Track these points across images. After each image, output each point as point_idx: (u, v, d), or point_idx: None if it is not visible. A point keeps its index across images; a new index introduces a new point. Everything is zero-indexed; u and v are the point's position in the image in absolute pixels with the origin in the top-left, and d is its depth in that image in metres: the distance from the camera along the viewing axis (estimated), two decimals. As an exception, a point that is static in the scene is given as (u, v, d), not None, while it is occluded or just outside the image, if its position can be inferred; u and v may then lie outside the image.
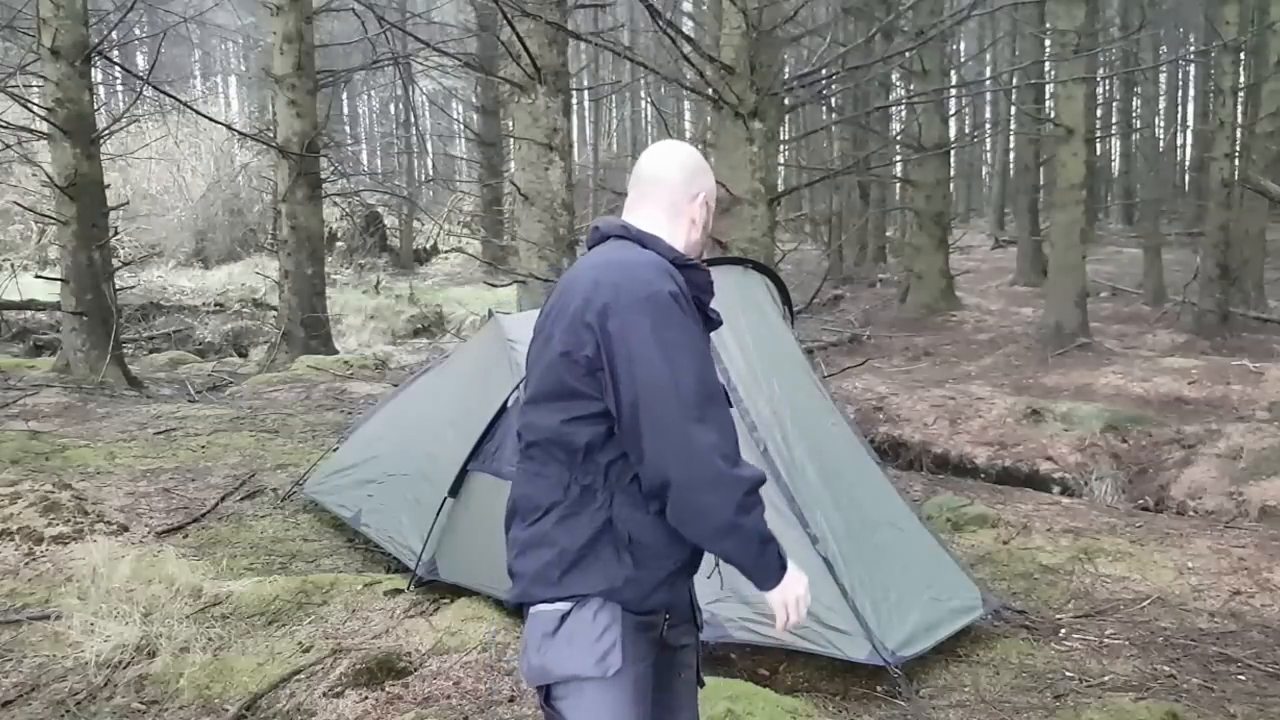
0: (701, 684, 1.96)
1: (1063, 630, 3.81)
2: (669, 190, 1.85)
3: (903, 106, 17.52)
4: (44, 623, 3.59)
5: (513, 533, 1.80)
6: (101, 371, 8.83)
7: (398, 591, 3.87)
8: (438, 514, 3.93)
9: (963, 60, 25.60)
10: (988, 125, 28.86)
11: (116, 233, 11.02)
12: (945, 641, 3.46)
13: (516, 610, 3.59)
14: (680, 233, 1.86)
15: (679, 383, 1.62)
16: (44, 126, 9.30)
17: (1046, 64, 14.49)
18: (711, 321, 1.83)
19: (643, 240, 1.79)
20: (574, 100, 14.16)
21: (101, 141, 9.31)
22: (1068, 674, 3.38)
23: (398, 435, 4.82)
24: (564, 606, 1.70)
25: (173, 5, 16.39)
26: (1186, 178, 29.76)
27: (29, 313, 12.98)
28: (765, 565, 1.72)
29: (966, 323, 14.12)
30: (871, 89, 16.15)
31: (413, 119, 21.35)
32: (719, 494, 1.62)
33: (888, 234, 23.30)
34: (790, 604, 1.75)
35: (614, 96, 31.12)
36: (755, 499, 1.66)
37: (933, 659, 3.41)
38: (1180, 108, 33.02)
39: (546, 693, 1.73)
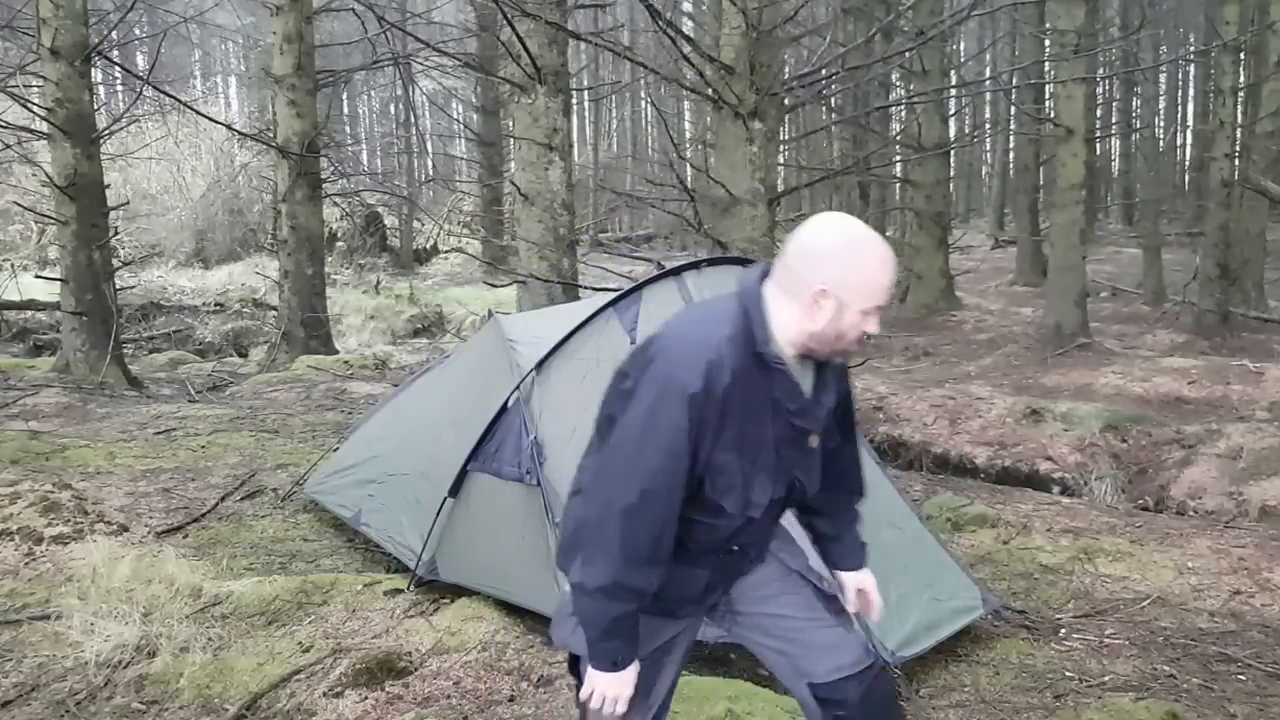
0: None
1: (1063, 630, 3.81)
2: (786, 270, 1.72)
3: (903, 106, 17.53)
4: (44, 623, 3.59)
5: None
6: (101, 371, 8.83)
7: (398, 591, 3.87)
8: (438, 514, 3.93)
9: (963, 60, 25.61)
10: (988, 125, 28.86)
11: (116, 233, 11.02)
12: (945, 641, 3.46)
13: (516, 610, 3.61)
14: (790, 320, 1.71)
15: (627, 466, 1.68)
16: (44, 126, 9.30)
17: (1046, 64, 14.49)
18: (794, 425, 1.77)
19: (747, 307, 1.72)
20: (574, 100, 14.15)
21: (101, 141, 9.31)
22: (1068, 674, 3.38)
23: (398, 435, 4.82)
24: None
25: (173, 5, 16.40)
26: (1186, 178, 29.76)
27: (29, 313, 12.98)
28: (593, 648, 1.78)
29: (966, 323, 14.12)
30: (871, 89, 16.13)
31: (413, 119, 21.35)
32: (573, 557, 1.75)
33: (888, 234, 23.26)
34: (595, 693, 1.80)
35: (614, 96, 31.14)
36: (593, 593, 1.72)
37: (933, 659, 3.42)
38: (1180, 108, 33.04)
39: (573, 662, 1.91)
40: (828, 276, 1.66)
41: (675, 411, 1.63)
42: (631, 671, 1.79)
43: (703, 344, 1.67)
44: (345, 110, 29.17)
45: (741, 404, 1.68)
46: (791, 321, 1.71)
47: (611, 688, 1.78)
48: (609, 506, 1.68)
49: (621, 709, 1.81)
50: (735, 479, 1.72)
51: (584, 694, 1.80)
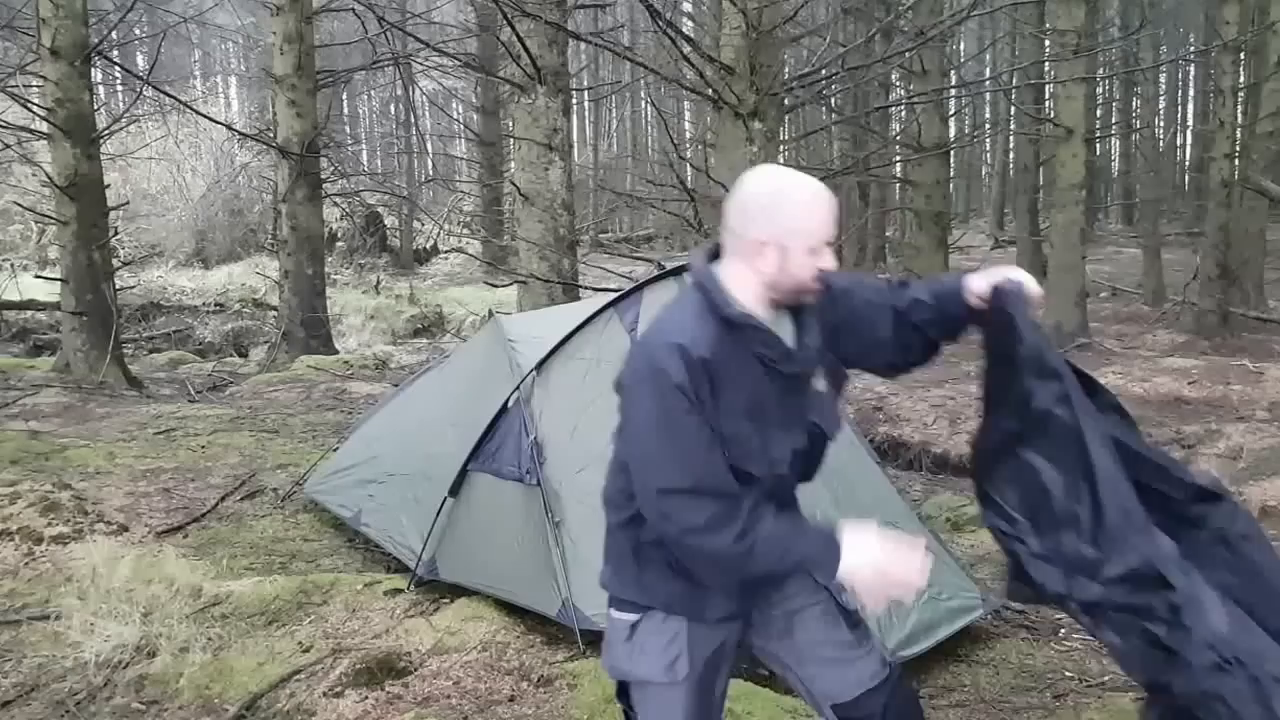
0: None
1: (1063, 630, 3.81)
2: (731, 234, 1.77)
3: (903, 106, 17.51)
4: (44, 623, 3.59)
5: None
6: (101, 371, 8.83)
7: (398, 591, 3.87)
8: (438, 514, 3.93)
9: (963, 60, 25.58)
10: (988, 125, 28.84)
11: (116, 233, 11.02)
12: (945, 641, 3.46)
13: (516, 610, 3.61)
14: (745, 278, 1.76)
15: (660, 464, 1.70)
16: (44, 126, 9.30)
17: (1046, 64, 14.48)
18: (784, 374, 1.79)
19: (702, 282, 1.78)
20: (574, 100, 14.15)
21: (101, 141, 9.31)
22: (1068, 674, 3.38)
23: (398, 435, 4.82)
24: (633, 618, 1.85)
25: (173, 5, 16.39)
26: (1186, 178, 29.78)
27: (29, 313, 12.98)
28: (802, 564, 1.77)
29: (966, 323, 14.10)
30: (871, 89, 16.12)
31: (413, 119, 21.30)
32: (702, 566, 1.76)
33: (888, 234, 23.28)
34: (875, 584, 1.71)
35: (614, 96, 31.11)
36: (741, 557, 1.70)
37: (933, 659, 3.41)
38: (1180, 108, 33.05)
39: (622, 688, 1.93)
40: (764, 229, 1.72)
41: (674, 399, 1.68)
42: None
43: (672, 332, 1.73)
44: (345, 110, 29.17)
45: (728, 370, 1.72)
46: (747, 278, 1.76)
47: (877, 557, 1.71)
48: (663, 498, 1.70)
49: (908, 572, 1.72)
50: (751, 443, 1.75)
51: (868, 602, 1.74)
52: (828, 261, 1.75)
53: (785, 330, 1.81)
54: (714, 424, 1.69)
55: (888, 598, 1.74)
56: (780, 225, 1.72)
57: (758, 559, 1.69)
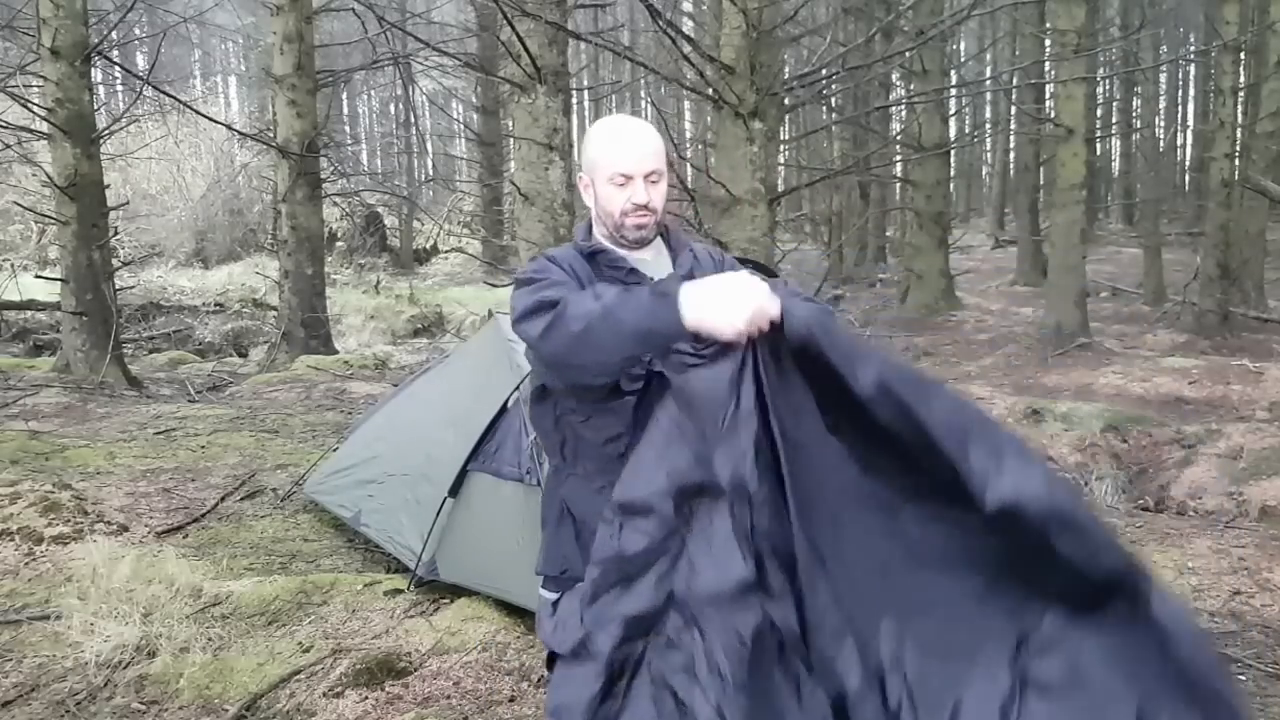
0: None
1: (1063, 630, 3.80)
2: None
3: (903, 106, 17.51)
4: (44, 623, 3.59)
5: None
6: (101, 371, 8.83)
7: (398, 591, 3.87)
8: (438, 514, 3.93)
9: (963, 60, 25.58)
10: (988, 125, 28.84)
11: (116, 233, 11.01)
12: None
13: (516, 610, 3.61)
14: (596, 223, 1.89)
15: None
16: (44, 126, 9.30)
17: (1046, 64, 14.49)
18: None
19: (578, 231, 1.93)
20: (574, 100, 14.15)
21: (101, 141, 9.31)
22: (1068, 674, 3.38)
23: (398, 435, 4.82)
24: (554, 596, 1.86)
25: (173, 5, 16.38)
26: (1186, 178, 29.79)
27: (29, 313, 12.97)
28: (642, 328, 1.55)
29: (966, 323, 14.11)
30: (871, 89, 16.13)
31: (413, 119, 21.31)
32: (568, 356, 1.63)
33: (888, 234, 23.27)
34: (724, 311, 1.49)
35: (614, 96, 31.06)
36: (578, 338, 1.58)
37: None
38: (1180, 108, 33.07)
39: (550, 658, 1.90)
40: (582, 168, 1.86)
41: (535, 272, 1.81)
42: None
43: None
44: (345, 110, 29.14)
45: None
46: (594, 218, 1.89)
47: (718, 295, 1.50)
48: (519, 321, 1.72)
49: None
50: None
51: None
52: (639, 195, 1.79)
53: (657, 268, 1.86)
54: None
55: (743, 321, 1.49)
56: (586, 160, 1.83)
57: (593, 335, 1.55)
